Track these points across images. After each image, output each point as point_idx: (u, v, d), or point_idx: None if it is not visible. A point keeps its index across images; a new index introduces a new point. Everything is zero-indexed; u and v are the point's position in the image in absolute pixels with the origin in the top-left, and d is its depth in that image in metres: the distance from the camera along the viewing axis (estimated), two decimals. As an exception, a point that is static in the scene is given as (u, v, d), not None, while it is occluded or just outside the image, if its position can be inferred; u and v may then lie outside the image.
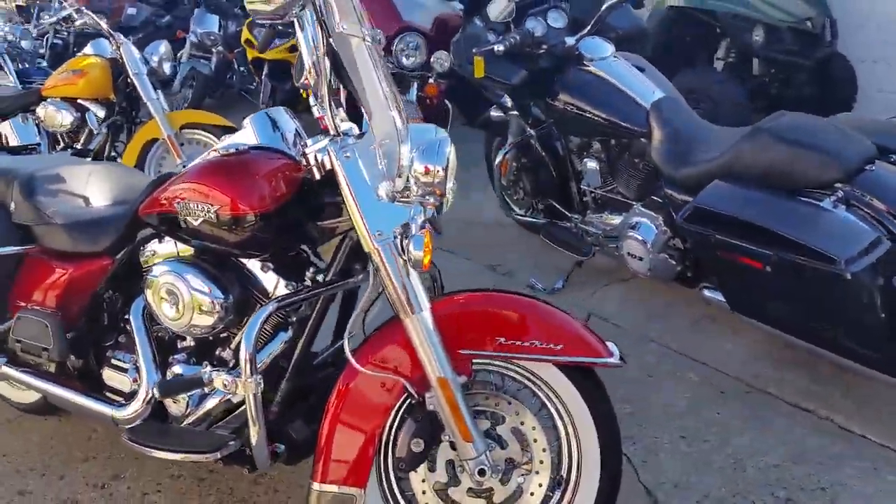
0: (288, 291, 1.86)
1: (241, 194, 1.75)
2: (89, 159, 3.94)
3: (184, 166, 4.00)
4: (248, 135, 1.89)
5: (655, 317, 2.99)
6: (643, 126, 2.84)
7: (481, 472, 1.61)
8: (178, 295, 1.84)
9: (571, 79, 3.05)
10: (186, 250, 1.95)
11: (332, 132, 1.65)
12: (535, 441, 1.70)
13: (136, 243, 2.08)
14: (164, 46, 4.50)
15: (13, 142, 4.69)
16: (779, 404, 2.39)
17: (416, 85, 4.54)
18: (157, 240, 2.04)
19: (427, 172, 1.54)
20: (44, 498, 2.19)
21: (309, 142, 1.72)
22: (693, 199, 2.46)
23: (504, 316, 1.69)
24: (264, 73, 6.32)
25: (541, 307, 1.72)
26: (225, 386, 1.68)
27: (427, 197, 1.58)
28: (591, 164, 3.14)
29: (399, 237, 1.58)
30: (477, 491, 1.68)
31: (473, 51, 2.90)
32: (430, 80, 4.50)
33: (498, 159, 3.52)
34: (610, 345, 1.71)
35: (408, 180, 1.58)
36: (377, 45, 1.81)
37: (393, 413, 1.69)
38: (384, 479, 1.72)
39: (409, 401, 1.67)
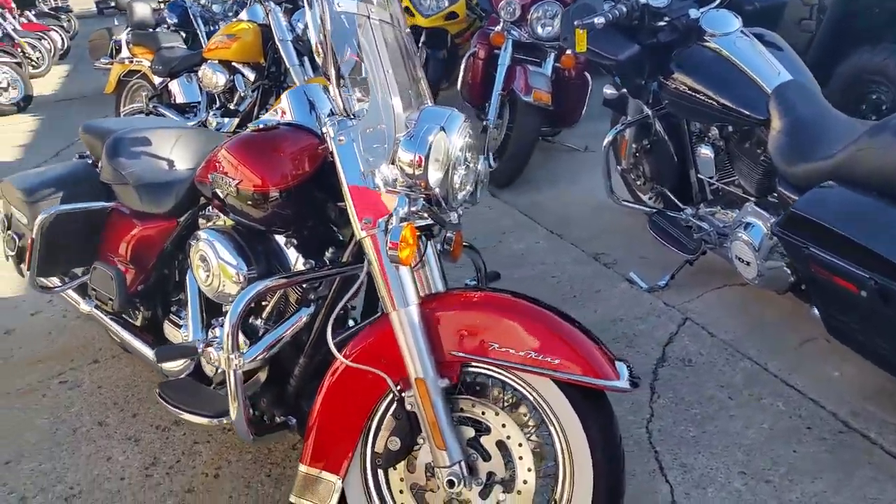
0: (305, 269, 1.86)
1: (262, 170, 1.76)
2: (191, 124, 4.20)
3: None
4: (284, 110, 1.90)
5: (759, 331, 2.64)
6: (763, 113, 2.48)
7: (450, 483, 1.51)
8: (208, 262, 1.90)
9: (688, 56, 2.73)
10: (228, 220, 2.00)
11: (339, 112, 1.59)
12: (521, 459, 1.56)
13: (198, 207, 2.17)
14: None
15: (179, 99, 5.12)
16: (873, 451, 2.02)
17: (552, 56, 4.32)
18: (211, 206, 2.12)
19: (408, 162, 1.44)
20: (115, 431, 2.40)
21: (327, 121, 1.68)
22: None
23: (502, 320, 1.55)
24: (421, 40, 6.37)
25: (545, 315, 1.56)
26: (211, 358, 1.72)
27: (413, 189, 1.49)
28: (707, 152, 2.81)
29: (387, 227, 1.50)
30: (454, 502, 1.59)
31: (575, 22, 2.68)
32: (568, 52, 4.26)
33: (606, 139, 3.27)
34: (620, 365, 1.52)
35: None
36: (398, 28, 1.73)
37: (379, 407, 1.63)
38: (366, 472, 1.67)
39: (392, 397, 1.60)
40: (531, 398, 1.57)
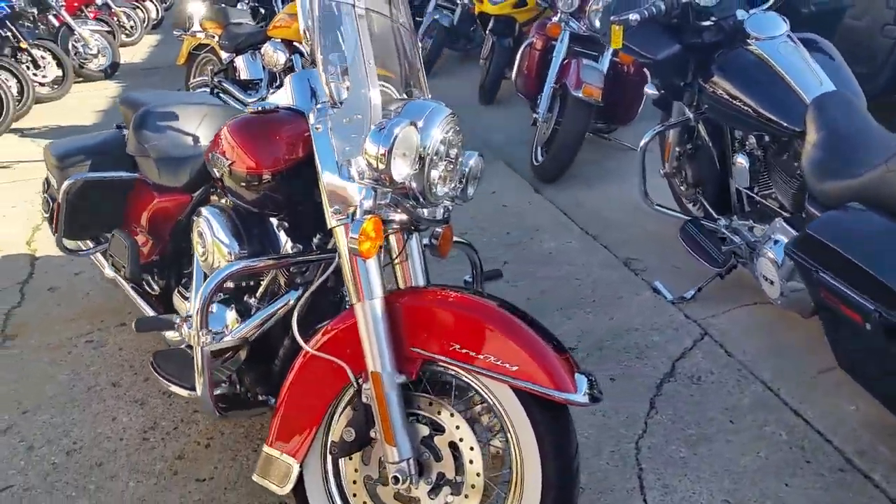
0: (293, 253, 1.88)
1: (255, 153, 1.78)
2: (251, 101, 4.27)
3: None
4: (286, 93, 1.91)
5: (779, 355, 2.51)
6: (799, 124, 2.34)
7: (395, 479, 1.51)
8: (204, 238, 1.95)
9: (729, 59, 2.60)
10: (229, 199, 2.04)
11: (325, 100, 1.60)
12: (471, 463, 1.54)
13: (210, 184, 2.22)
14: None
15: (243, 75, 5.25)
16: (872, 495, 1.89)
17: (610, 50, 4.20)
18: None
19: (373, 155, 1.43)
20: (125, 393, 2.51)
21: (312, 108, 1.68)
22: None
23: (467, 321, 1.53)
24: (489, 27, 6.31)
25: (509, 321, 1.53)
26: (182, 334, 1.76)
27: (378, 182, 1.48)
28: (742, 161, 2.67)
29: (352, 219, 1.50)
30: (403, 497, 1.59)
31: (611, 18, 2.59)
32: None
33: (643, 140, 3.15)
34: (580, 378, 1.47)
35: None
36: (397, 19, 1.72)
37: (341, 397, 1.64)
38: (325, 459, 1.68)
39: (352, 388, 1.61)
40: (490, 403, 1.55)
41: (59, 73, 7.56)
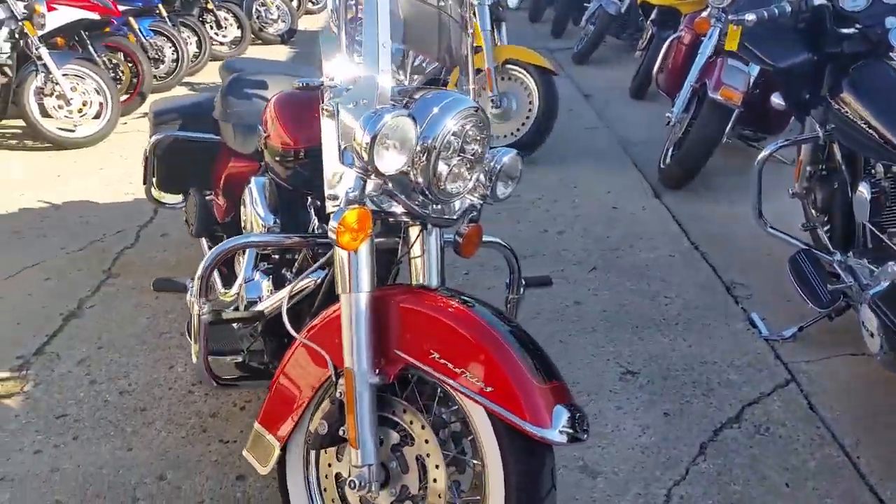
0: (308, 234, 1.86)
1: (288, 128, 1.77)
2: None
3: (491, 100, 4.15)
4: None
5: (870, 419, 2.15)
6: (932, 157, 1.97)
7: (351, 484, 1.44)
8: (247, 207, 1.98)
9: (865, 74, 2.24)
10: (279, 170, 2.05)
11: (341, 81, 1.54)
12: (435, 481, 1.44)
13: (274, 154, 2.26)
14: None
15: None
16: None
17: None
18: None
19: (358, 142, 1.35)
20: (189, 345, 2.63)
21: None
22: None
23: (450, 331, 1.42)
24: (651, 17, 5.96)
25: (495, 338, 1.40)
26: (188, 300, 1.78)
27: (366, 171, 1.40)
28: (864, 191, 2.30)
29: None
30: (367, 502, 1.52)
31: (728, 16, 2.31)
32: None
33: (762, 154, 2.80)
34: (560, 412, 1.32)
35: None
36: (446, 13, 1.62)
37: (326, 387, 1.59)
38: (307, 447, 1.65)
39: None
40: (467, 417, 1.44)
41: (239, 34, 8.12)
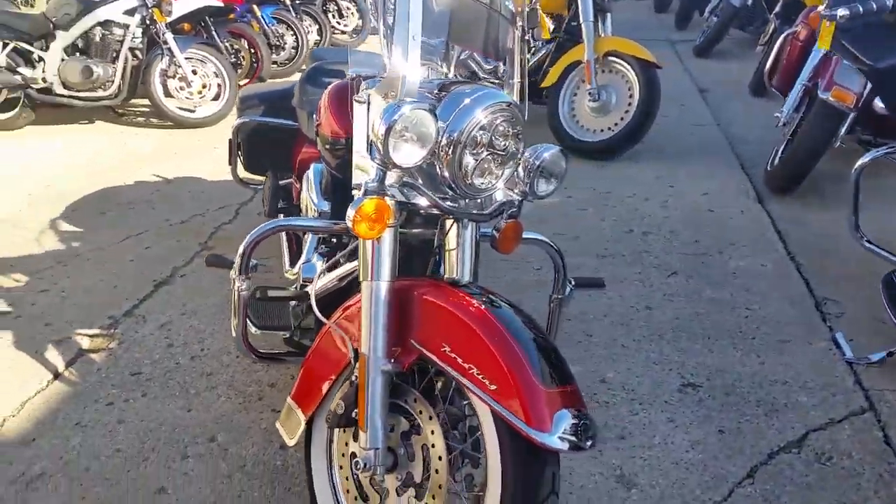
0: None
1: (336, 117, 1.81)
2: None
3: (589, 93, 4.06)
4: None
5: (958, 459, 1.94)
6: None
7: (356, 465, 1.47)
8: (303, 192, 2.05)
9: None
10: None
11: (376, 73, 1.57)
12: (437, 472, 1.44)
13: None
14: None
15: (491, 40, 5.30)
16: None
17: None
18: None
19: (375, 132, 1.36)
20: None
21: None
22: None
23: (462, 325, 1.41)
24: (775, 10, 5.60)
25: (504, 335, 1.37)
26: (230, 277, 1.85)
27: (384, 163, 1.41)
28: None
29: None
30: (376, 484, 1.54)
31: (821, 11, 2.12)
32: None
33: (859, 162, 2.59)
34: (562, 417, 1.29)
35: None
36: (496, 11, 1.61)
37: (348, 368, 1.63)
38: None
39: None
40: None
41: (360, 23, 8.34)
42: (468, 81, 1.59)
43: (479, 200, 1.57)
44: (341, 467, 1.66)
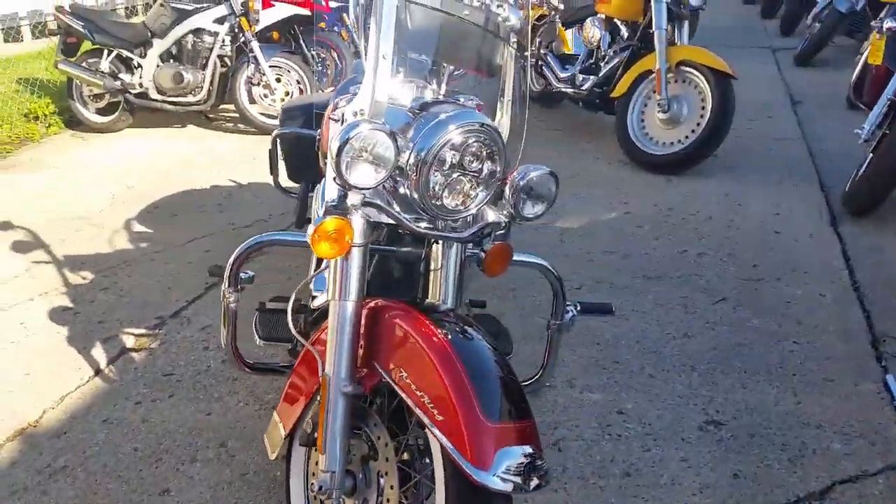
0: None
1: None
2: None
3: (658, 104, 3.92)
4: None
5: None
6: None
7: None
8: (314, 206, 2.07)
9: None
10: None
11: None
12: (388, 501, 1.42)
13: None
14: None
15: (567, 49, 5.20)
16: None
17: None
18: None
19: (333, 149, 1.35)
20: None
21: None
22: None
23: (421, 354, 1.39)
24: (879, 15, 5.17)
25: (457, 367, 1.34)
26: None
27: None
28: None
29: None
30: (335, 505, 1.54)
31: (872, 24, 1.93)
32: None
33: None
34: (504, 456, 1.25)
35: None
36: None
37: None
38: (305, 441, 1.70)
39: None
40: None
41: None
42: (448, 101, 1.56)
43: (458, 222, 1.54)
44: (313, 484, 1.66)
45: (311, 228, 1.39)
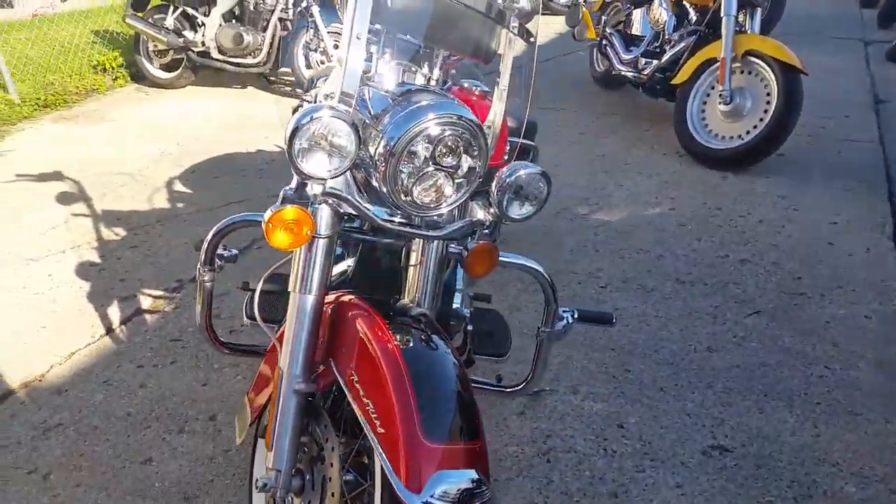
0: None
1: None
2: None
3: (720, 95, 3.69)
4: None
5: None
6: None
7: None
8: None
9: None
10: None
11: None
12: (331, 510, 1.35)
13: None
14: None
15: (634, 30, 4.96)
16: None
17: None
18: None
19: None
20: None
21: None
22: None
23: (371, 358, 1.31)
24: None
25: (403, 379, 1.24)
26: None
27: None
28: None
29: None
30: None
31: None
32: None
33: None
34: (439, 480, 1.17)
35: None
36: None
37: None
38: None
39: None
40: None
41: None
42: (428, 89, 1.45)
43: (440, 218, 1.45)
44: (273, 476, 1.62)
45: (266, 214, 1.32)
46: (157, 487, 1.92)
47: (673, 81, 4.18)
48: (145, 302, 2.80)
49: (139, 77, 5.92)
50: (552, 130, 4.67)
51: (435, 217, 1.46)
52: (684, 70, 4.07)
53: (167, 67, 5.78)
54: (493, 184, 1.44)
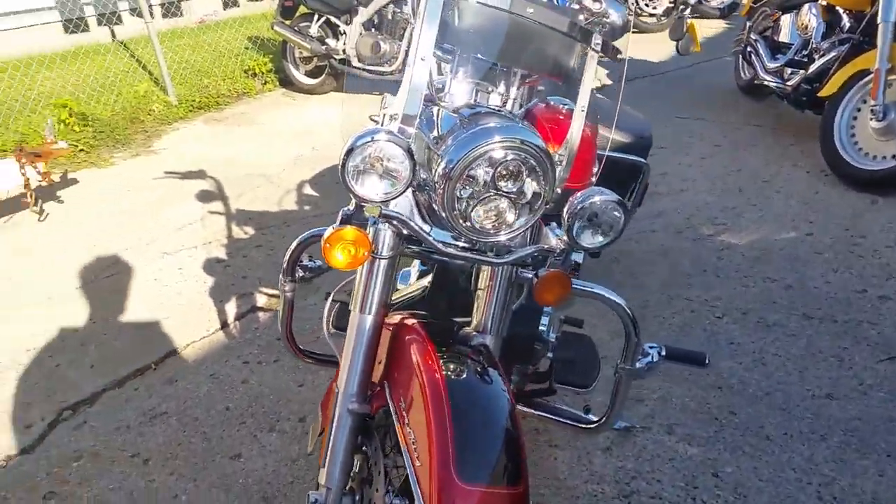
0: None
1: None
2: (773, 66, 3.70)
3: (872, 110, 3.38)
4: None
5: None
6: None
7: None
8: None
9: None
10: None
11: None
12: (375, 531, 1.34)
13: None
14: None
15: (782, 36, 4.63)
16: None
17: None
18: None
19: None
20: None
21: None
22: None
23: (419, 387, 1.29)
24: None
25: (444, 413, 1.21)
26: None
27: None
28: None
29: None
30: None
31: None
32: None
33: None
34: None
35: None
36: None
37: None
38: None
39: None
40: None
41: (671, 4, 7.82)
42: (494, 112, 1.40)
43: (511, 242, 1.40)
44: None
45: (325, 233, 1.33)
46: (240, 483, 2.01)
47: (820, 94, 3.83)
48: (261, 300, 2.95)
49: (287, 82, 6.25)
50: (685, 142, 4.43)
51: (504, 241, 1.41)
52: (833, 81, 3.72)
53: (311, 74, 6.07)
54: (566, 208, 1.37)
